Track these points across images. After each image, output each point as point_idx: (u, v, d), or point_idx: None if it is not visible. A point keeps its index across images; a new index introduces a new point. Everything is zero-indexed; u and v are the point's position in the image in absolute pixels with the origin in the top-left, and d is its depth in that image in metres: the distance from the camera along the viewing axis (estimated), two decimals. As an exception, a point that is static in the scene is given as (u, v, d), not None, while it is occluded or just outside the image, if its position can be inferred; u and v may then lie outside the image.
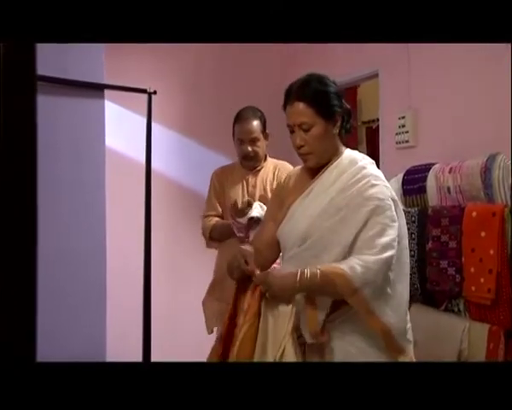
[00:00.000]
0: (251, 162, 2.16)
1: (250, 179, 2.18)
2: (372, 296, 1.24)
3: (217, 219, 2.17)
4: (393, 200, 1.33)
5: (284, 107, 1.39)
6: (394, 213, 1.30)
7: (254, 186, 2.16)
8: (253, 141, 2.11)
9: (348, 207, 1.28)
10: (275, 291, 1.24)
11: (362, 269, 1.22)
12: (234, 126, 2.17)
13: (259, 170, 2.19)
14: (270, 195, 2.06)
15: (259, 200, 2.07)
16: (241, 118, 2.14)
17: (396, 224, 1.30)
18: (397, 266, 1.30)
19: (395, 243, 1.28)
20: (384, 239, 1.25)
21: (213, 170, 2.27)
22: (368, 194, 1.28)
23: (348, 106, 1.41)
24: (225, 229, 2.10)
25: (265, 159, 2.22)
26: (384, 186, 1.32)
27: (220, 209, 2.20)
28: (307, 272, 1.23)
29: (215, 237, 2.16)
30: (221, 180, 2.21)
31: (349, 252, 1.27)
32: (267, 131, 2.17)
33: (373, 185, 1.29)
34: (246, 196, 2.13)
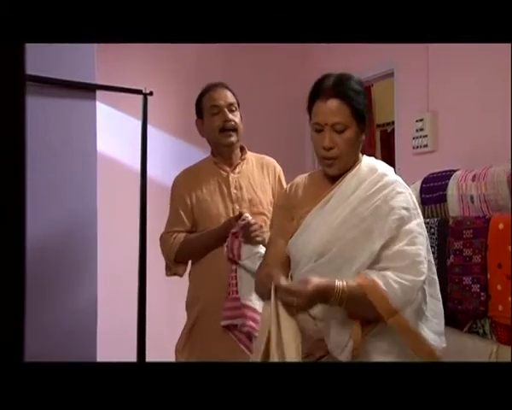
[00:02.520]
0: (231, 137, 1.82)
1: (231, 179, 1.84)
2: (414, 316, 1.23)
3: (184, 234, 1.83)
4: (417, 207, 1.34)
5: (311, 104, 1.34)
6: (422, 221, 1.31)
7: (239, 188, 1.83)
8: (232, 109, 1.83)
9: (373, 216, 1.27)
10: (305, 304, 1.19)
11: (399, 286, 1.21)
12: (201, 100, 1.86)
13: (239, 165, 1.87)
14: (261, 197, 1.83)
15: (251, 206, 1.80)
16: (212, 86, 1.86)
17: (425, 233, 1.31)
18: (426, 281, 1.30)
19: (425, 253, 1.28)
20: (415, 249, 1.25)
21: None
22: (394, 202, 1.28)
23: None
24: (200, 240, 1.78)
25: (244, 150, 1.91)
26: (409, 194, 1.34)
27: (188, 223, 1.84)
28: (343, 285, 1.19)
29: (184, 257, 1.84)
30: (188, 186, 1.86)
31: (375, 262, 1.25)
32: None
33: (398, 193, 1.30)
34: (229, 201, 1.81)
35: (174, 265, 1.86)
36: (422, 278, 1.24)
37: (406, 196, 1.31)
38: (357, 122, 1.32)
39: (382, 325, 1.25)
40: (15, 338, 0.53)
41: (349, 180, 1.34)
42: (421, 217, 1.34)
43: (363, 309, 1.22)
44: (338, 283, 1.20)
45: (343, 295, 1.19)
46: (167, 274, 1.92)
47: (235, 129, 1.83)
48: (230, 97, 1.85)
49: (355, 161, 1.37)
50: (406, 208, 1.28)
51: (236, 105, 1.87)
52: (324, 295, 1.19)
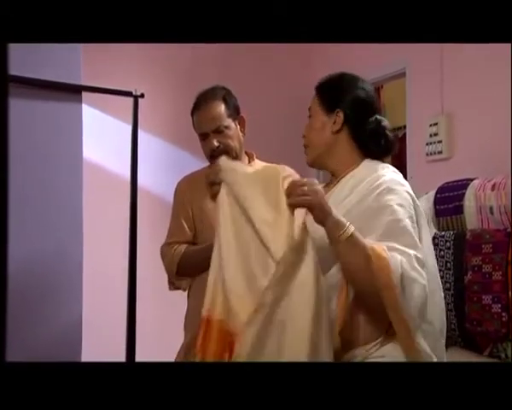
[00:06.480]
0: None
1: None
2: (408, 309, 1.22)
3: (185, 246, 1.82)
4: (415, 208, 1.33)
5: None
6: (416, 224, 1.30)
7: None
8: (219, 131, 1.80)
9: (363, 216, 1.28)
10: (317, 208, 1.20)
11: (402, 264, 1.20)
12: (192, 119, 1.88)
13: None
14: None
15: None
16: (197, 104, 1.84)
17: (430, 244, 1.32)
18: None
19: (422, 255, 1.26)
20: (409, 248, 1.24)
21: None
22: (385, 200, 1.28)
23: (386, 121, 1.41)
24: (202, 254, 1.68)
25: (252, 158, 1.91)
26: (405, 192, 1.33)
27: (190, 233, 1.85)
28: (353, 230, 1.21)
29: (186, 270, 1.81)
30: (190, 194, 1.87)
31: None
32: (242, 114, 1.85)
33: (390, 190, 1.30)
34: None
35: (177, 278, 1.85)
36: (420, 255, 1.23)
37: (401, 192, 1.31)
38: (325, 110, 1.41)
39: (384, 348, 1.26)
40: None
41: (344, 183, 1.38)
42: (423, 216, 1.33)
43: (359, 263, 1.21)
44: (350, 224, 1.21)
45: (349, 231, 1.20)
46: (170, 288, 1.91)
47: (225, 152, 1.80)
48: (218, 115, 1.81)
49: (344, 163, 1.38)
50: (400, 205, 1.28)
51: (229, 120, 1.83)
52: (333, 220, 1.21)
